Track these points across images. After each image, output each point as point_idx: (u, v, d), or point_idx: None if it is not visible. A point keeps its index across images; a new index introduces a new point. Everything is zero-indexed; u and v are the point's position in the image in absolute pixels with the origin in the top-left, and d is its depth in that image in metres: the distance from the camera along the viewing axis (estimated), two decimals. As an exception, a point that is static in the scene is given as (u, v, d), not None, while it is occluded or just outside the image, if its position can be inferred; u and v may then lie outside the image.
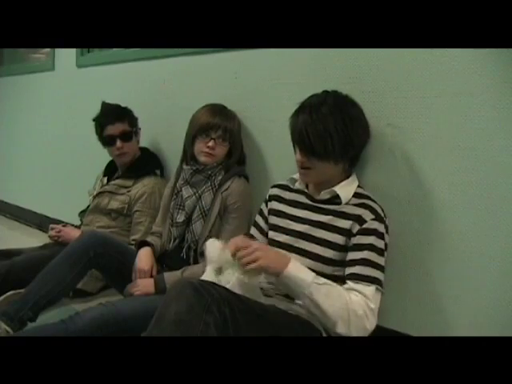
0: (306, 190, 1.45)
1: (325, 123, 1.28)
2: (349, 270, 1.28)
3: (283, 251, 1.34)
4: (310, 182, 1.43)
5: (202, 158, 1.72)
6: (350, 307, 1.19)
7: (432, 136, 1.35)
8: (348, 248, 1.30)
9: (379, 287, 1.25)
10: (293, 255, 1.35)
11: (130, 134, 2.13)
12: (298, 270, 1.22)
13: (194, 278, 1.18)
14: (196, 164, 1.75)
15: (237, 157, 1.79)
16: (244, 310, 1.15)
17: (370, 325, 1.21)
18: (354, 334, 1.19)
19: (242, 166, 1.83)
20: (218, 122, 1.70)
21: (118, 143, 2.08)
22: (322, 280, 1.22)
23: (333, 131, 1.27)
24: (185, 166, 1.79)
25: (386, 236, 1.32)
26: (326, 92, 1.38)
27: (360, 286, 1.23)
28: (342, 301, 1.19)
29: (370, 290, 1.23)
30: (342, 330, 1.19)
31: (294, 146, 1.39)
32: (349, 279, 1.27)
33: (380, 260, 1.27)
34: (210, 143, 1.70)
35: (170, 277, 1.65)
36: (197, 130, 1.73)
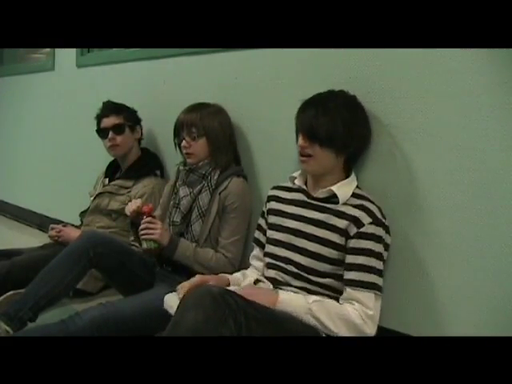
0: (304, 188, 1.44)
1: (332, 114, 1.33)
2: (347, 275, 1.30)
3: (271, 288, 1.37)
4: (309, 172, 1.42)
5: (187, 160, 1.74)
6: (349, 319, 1.24)
7: (432, 136, 1.35)
8: (346, 250, 1.31)
9: (378, 292, 1.28)
10: (289, 252, 1.40)
11: (123, 126, 2.12)
12: (290, 298, 1.27)
13: (213, 286, 1.19)
14: (189, 164, 1.76)
15: (222, 153, 1.73)
16: (257, 317, 1.15)
17: (370, 330, 1.25)
18: None
19: (239, 165, 1.82)
20: (184, 120, 1.72)
21: (110, 135, 2.09)
22: (314, 297, 1.28)
23: (338, 120, 1.33)
24: (181, 167, 1.81)
25: (385, 237, 1.33)
26: (331, 91, 1.42)
27: (359, 294, 1.27)
28: (339, 313, 1.25)
29: (368, 296, 1.27)
30: None
31: (297, 136, 1.41)
32: (347, 285, 1.29)
33: (378, 264, 1.30)
34: (183, 143, 1.72)
35: (183, 245, 1.66)
36: (173, 134, 1.77)
